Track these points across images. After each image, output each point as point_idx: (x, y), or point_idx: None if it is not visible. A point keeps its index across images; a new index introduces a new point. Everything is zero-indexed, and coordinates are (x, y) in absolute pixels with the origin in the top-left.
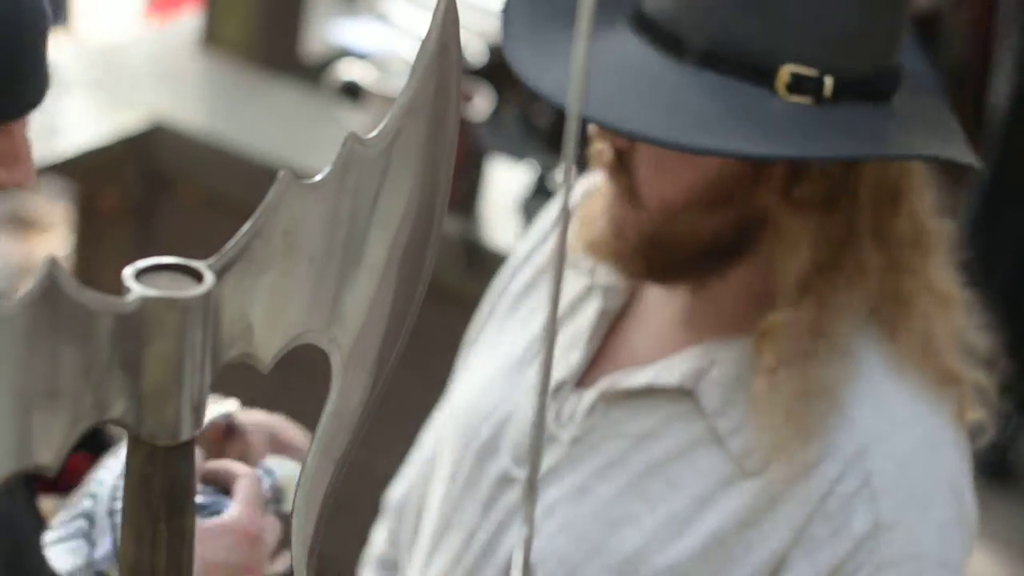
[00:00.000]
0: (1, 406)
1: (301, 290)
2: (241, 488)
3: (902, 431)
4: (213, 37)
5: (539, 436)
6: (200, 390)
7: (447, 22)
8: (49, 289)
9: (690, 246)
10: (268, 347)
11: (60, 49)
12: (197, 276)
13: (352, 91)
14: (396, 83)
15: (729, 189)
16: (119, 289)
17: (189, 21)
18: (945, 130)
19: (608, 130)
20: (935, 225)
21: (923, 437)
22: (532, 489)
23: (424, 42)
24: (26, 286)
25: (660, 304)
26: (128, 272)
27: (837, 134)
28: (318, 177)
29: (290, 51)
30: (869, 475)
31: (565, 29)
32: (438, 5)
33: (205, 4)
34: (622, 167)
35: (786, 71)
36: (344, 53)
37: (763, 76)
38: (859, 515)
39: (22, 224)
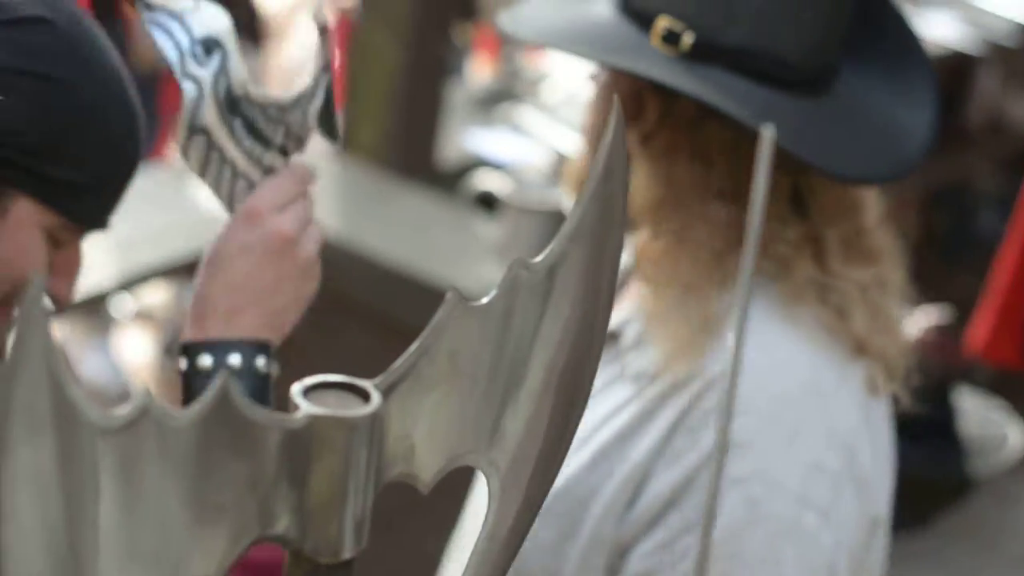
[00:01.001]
0: (167, 518)
1: (463, 411)
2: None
3: (779, 369)
4: (349, 143)
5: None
6: (363, 508)
7: (614, 148)
8: (220, 403)
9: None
10: (429, 468)
11: None
12: (363, 395)
13: (487, 201)
14: (531, 194)
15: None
16: None
17: None
18: (826, 138)
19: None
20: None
21: (804, 381)
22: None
23: (592, 167)
24: (200, 400)
25: None
26: (296, 389)
27: (689, 77)
28: (484, 300)
29: (425, 159)
30: None
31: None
32: (607, 131)
33: (341, 110)
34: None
35: (662, 22)
36: (479, 162)
37: (645, 23)
38: (712, 429)
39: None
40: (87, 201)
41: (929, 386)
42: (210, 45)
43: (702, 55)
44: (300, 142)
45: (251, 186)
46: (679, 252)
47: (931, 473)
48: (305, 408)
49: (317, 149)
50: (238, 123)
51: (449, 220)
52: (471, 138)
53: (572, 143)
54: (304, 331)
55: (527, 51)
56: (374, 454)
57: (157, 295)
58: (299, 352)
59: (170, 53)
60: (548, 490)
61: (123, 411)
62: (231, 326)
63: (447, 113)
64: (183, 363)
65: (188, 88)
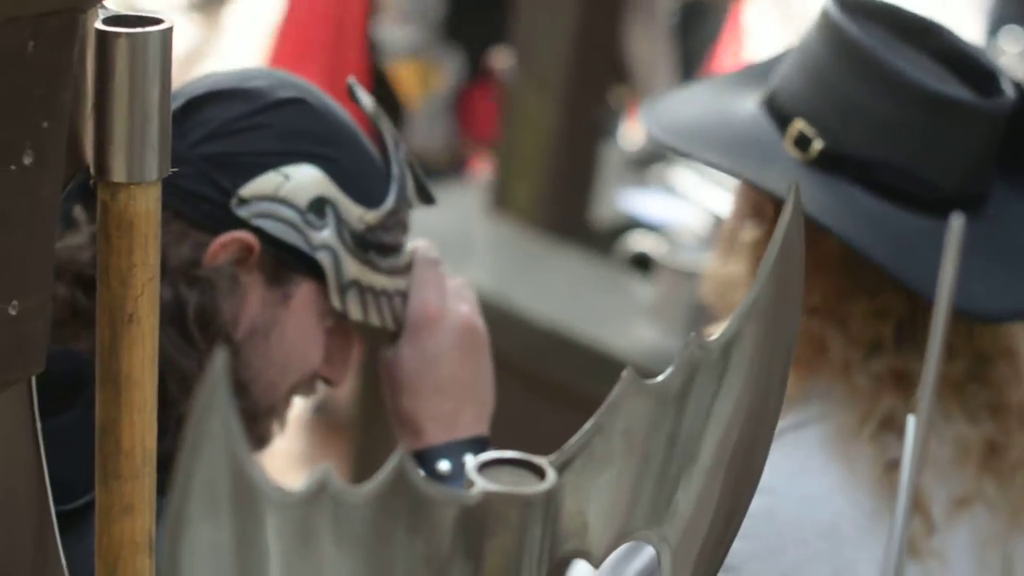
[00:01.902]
0: None
1: (636, 489)
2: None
3: (801, 503)
4: (502, 201)
5: None
6: None
7: (791, 227)
8: (397, 480)
9: None
10: (600, 544)
11: None
12: (538, 471)
13: (642, 262)
14: (685, 255)
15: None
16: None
17: (478, 185)
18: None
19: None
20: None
21: (822, 522)
22: None
23: (770, 245)
24: (374, 478)
25: None
26: (471, 465)
27: (815, 186)
28: (660, 378)
29: (579, 219)
30: None
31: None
32: (784, 210)
33: (495, 169)
34: None
35: (796, 125)
36: (633, 223)
37: (782, 122)
38: None
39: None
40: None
41: None
42: (318, 205)
43: (830, 163)
44: (408, 225)
45: (403, 294)
46: None
47: None
48: (480, 484)
49: (473, 205)
50: (372, 253)
51: (603, 281)
52: (625, 199)
53: (726, 205)
54: None
55: None
56: (548, 530)
57: None
58: None
59: (291, 237)
60: (719, 566)
61: (300, 487)
62: (453, 429)
63: (601, 174)
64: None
65: (324, 257)
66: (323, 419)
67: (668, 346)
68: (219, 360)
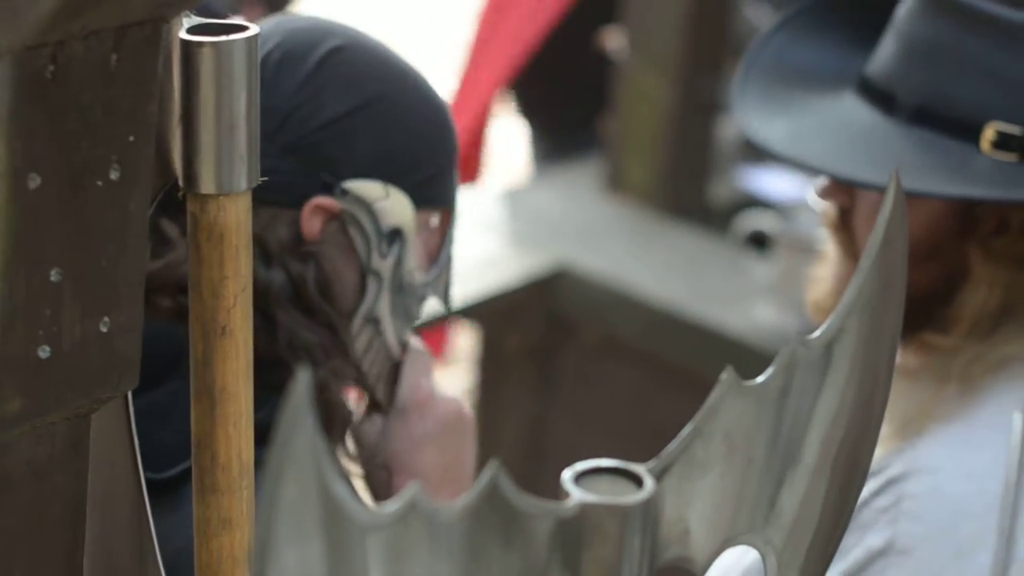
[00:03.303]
0: None
1: (739, 492)
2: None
3: (973, 477)
4: (618, 181)
5: None
6: None
7: (894, 217)
8: (491, 494)
9: None
10: (704, 550)
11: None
12: (636, 479)
13: (759, 240)
14: (803, 232)
15: (937, 243)
16: (517, 427)
17: (594, 165)
18: None
19: (832, 183)
20: None
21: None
22: None
23: (872, 237)
24: (469, 492)
25: None
26: (567, 476)
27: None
28: (760, 379)
29: (696, 197)
30: (902, 497)
31: (792, 90)
32: (886, 200)
33: (611, 149)
34: (843, 225)
35: (991, 128)
36: (751, 201)
37: (969, 132)
38: (879, 531)
39: None
40: (445, 184)
41: None
42: (393, 237)
43: None
44: (414, 317)
45: (391, 361)
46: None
47: None
48: (577, 496)
49: (588, 186)
50: (400, 308)
51: (720, 259)
52: (743, 176)
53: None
54: (574, 373)
55: None
56: (648, 539)
57: None
58: (570, 394)
59: (359, 245)
60: (827, 567)
61: (391, 507)
62: None
63: (718, 151)
64: None
65: (371, 283)
66: None
67: (787, 326)
68: (302, 380)
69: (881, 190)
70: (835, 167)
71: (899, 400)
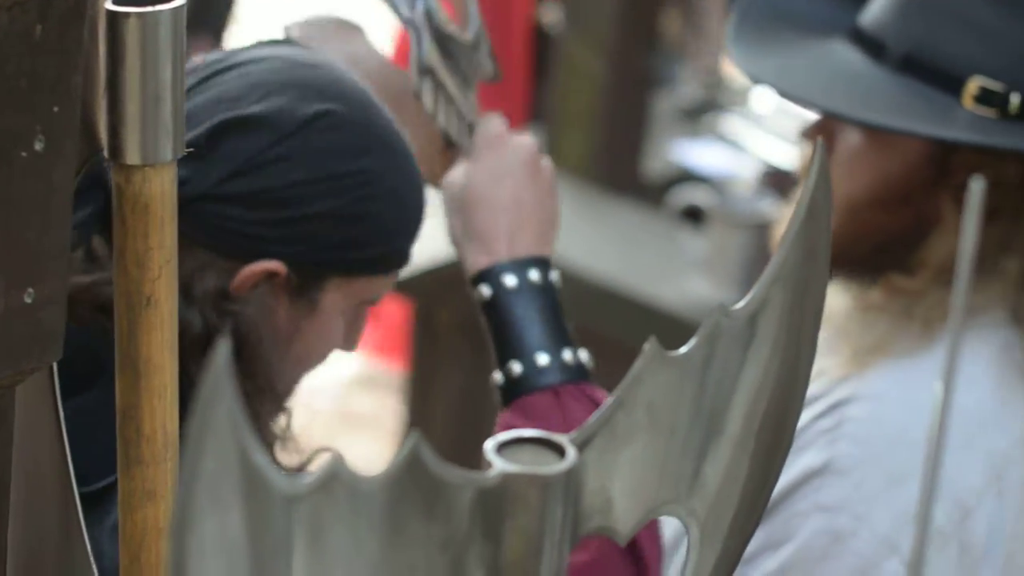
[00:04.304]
0: None
1: (662, 463)
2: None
3: (909, 407)
4: (553, 155)
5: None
6: (559, 563)
7: (818, 188)
8: (412, 464)
9: (869, 242)
10: (627, 520)
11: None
12: (559, 450)
13: (694, 214)
14: (738, 207)
15: (911, 189)
16: (451, 402)
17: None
18: None
19: (814, 125)
20: None
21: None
22: None
23: (795, 208)
24: (390, 462)
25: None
26: (489, 446)
27: (1019, 138)
28: (683, 350)
29: (630, 171)
30: (843, 420)
31: (783, 32)
32: (812, 170)
33: (545, 123)
34: None
35: (975, 83)
36: (686, 175)
37: (953, 84)
38: (816, 451)
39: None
40: (391, 261)
41: None
42: None
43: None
44: (473, 82)
45: (465, 123)
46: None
47: None
48: (499, 465)
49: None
50: (450, 62)
51: (655, 234)
52: (678, 151)
53: (781, 154)
54: None
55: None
56: (570, 509)
57: None
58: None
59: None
60: (749, 538)
61: (312, 477)
62: (514, 247)
63: (653, 125)
64: (485, 290)
65: (410, 30)
66: (375, 381)
67: (721, 300)
68: (221, 352)
69: (862, 124)
70: (820, 101)
71: (857, 331)
